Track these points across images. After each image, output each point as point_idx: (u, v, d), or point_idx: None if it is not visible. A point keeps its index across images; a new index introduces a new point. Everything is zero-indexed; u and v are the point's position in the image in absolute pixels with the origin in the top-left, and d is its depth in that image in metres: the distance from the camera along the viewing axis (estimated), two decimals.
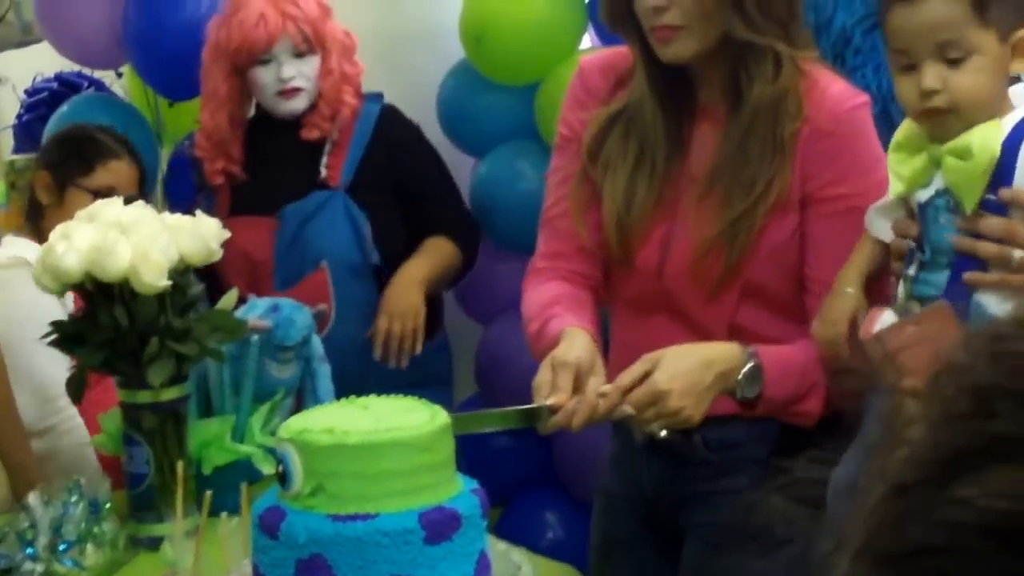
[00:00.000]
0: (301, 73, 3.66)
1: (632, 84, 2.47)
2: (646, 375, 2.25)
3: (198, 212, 3.42)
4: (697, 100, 2.45)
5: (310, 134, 3.71)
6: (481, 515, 1.93)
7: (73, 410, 3.20)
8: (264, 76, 3.67)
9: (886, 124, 2.93)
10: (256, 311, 3.06)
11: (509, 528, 3.76)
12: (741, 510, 2.29)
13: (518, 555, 2.03)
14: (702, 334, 2.37)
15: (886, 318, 2.06)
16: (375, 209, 3.69)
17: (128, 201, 3.41)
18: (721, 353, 2.31)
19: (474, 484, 1.98)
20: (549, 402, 2.26)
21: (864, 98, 2.42)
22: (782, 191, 2.34)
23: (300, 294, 3.50)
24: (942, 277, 2.15)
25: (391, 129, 3.78)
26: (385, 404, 1.99)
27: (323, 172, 3.71)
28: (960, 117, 2.13)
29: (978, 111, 2.13)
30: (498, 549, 2.01)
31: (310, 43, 3.66)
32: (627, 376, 2.27)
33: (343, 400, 2.02)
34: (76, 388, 2.80)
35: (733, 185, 2.35)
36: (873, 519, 0.63)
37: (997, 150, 2.09)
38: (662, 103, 2.44)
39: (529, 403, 2.29)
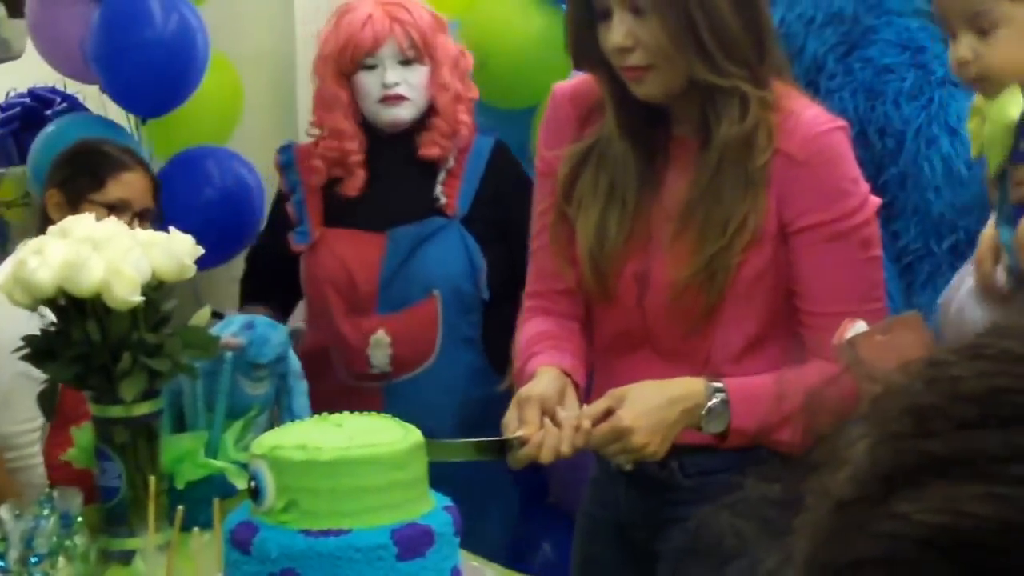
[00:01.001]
0: (406, 81, 3.51)
1: (603, 118, 2.47)
2: (610, 411, 2.27)
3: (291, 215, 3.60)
4: (671, 134, 2.45)
5: (429, 151, 3.56)
6: (454, 532, 1.94)
7: (33, 451, 3.19)
8: (368, 81, 3.51)
9: (864, 147, 2.96)
10: (231, 328, 3.06)
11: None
12: (692, 527, 2.31)
13: (491, 572, 2.04)
14: (681, 368, 2.37)
15: (858, 326, 2.07)
16: (488, 244, 3.56)
17: (144, 214, 3.42)
18: (686, 389, 2.31)
19: (447, 501, 1.99)
20: (517, 434, 2.28)
21: (838, 122, 2.41)
22: (757, 225, 2.34)
23: (407, 321, 3.48)
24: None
25: (504, 166, 3.66)
26: (358, 421, 2.00)
27: (441, 199, 3.57)
28: (997, 85, 2.18)
29: (1013, 79, 2.18)
30: (471, 565, 2.02)
31: (418, 50, 3.53)
32: (591, 411, 2.29)
33: (316, 417, 2.03)
34: (47, 403, 2.79)
35: (706, 224, 2.34)
36: (817, 534, 0.67)
37: (1015, 115, 2.15)
38: (632, 139, 2.43)
39: None
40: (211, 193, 4.12)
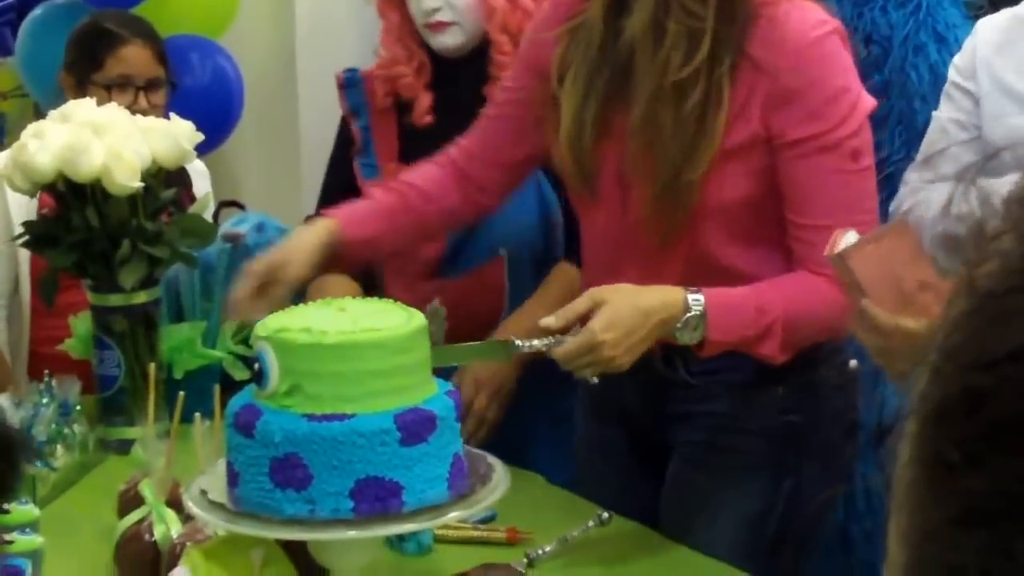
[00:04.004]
0: (448, 4, 2.95)
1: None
2: (588, 314, 2.23)
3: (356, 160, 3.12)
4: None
5: (491, 90, 2.91)
6: (456, 417, 1.94)
7: None
8: (412, 5, 3.00)
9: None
10: (242, 225, 3.03)
11: None
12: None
13: (492, 459, 2.03)
14: (665, 276, 2.34)
15: (849, 237, 2.06)
16: (566, 197, 2.82)
17: (151, 85, 3.37)
18: (662, 301, 2.26)
19: (449, 386, 1.98)
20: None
21: (828, 25, 2.33)
22: (723, 138, 2.29)
23: (466, 288, 2.95)
24: None
25: None
26: (362, 306, 1.99)
27: None
28: None
29: None
30: (473, 452, 2.02)
31: None
32: (573, 309, 2.24)
33: (320, 301, 2.02)
34: (47, 290, 2.78)
35: (663, 135, 2.30)
36: (962, 327, 0.62)
37: None
38: (614, 23, 2.37)
39: None
40: (190, 83, 4.09)
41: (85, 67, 3.41)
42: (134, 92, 3.34)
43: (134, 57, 3.42)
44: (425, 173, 2.64)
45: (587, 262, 2.55)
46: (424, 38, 3.01)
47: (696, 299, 2.26)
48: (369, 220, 2.56)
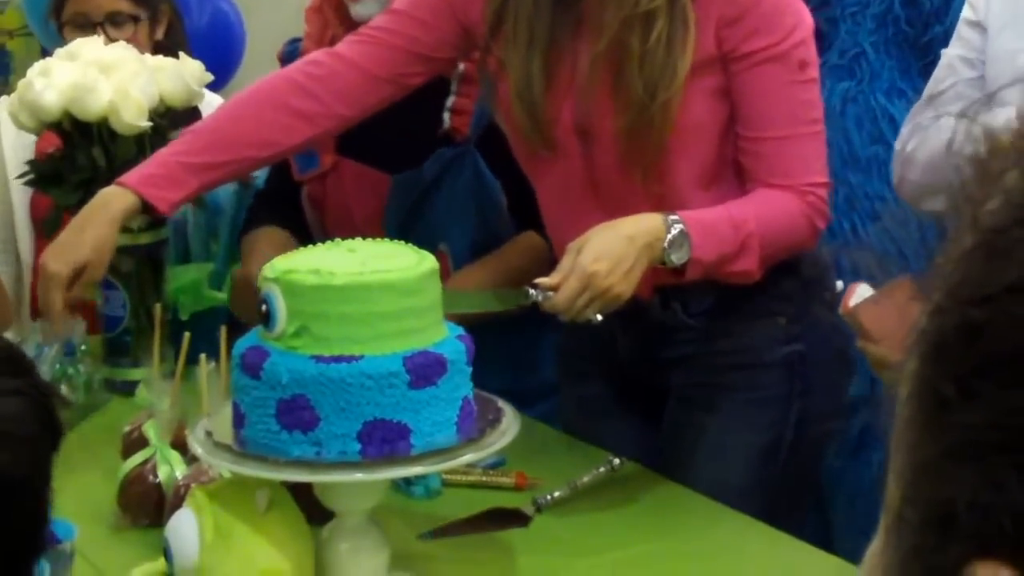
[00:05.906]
0: None
1: None
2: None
3: None
4: None
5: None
6: (466, 361, 1.92)
7: None
8: None
9: (911, 5, 2.99)
10: None
11: None
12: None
13: (502, 403, 2.01)
14: (628, 210, 2.31)
15: (861, 291, 2.10)
16: (508, 175, 2.68)
17: (111, 19, 3.23)
18: (643, 225, 2.25)
19: (460, 331, 1.96)
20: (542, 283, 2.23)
21: None
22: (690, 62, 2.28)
23: None
24: None
25: None
26: (372, 247, 1.97)
27: (446, 121, 2.78)
28: None
29: None
30: (482, 396, 1.99)
31: None
32: (561, 270, 2.22)
33: (329, 242, 1.99)
34: (51, 228, 2.76)
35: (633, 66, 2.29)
36: (964, 264, 0.62)
37: None
38: None
39: None
40: (187, 26, 4.05)
41: (55, 10, 3.33)
42: (92, 29, 3.18)
43: None
44: (255, 113, 2.50)
45: (549, 221, 2.53)
46: (348, 7, 2.77)
47: (674, 219, 2.26)
48: (175, 184, 2.45)
